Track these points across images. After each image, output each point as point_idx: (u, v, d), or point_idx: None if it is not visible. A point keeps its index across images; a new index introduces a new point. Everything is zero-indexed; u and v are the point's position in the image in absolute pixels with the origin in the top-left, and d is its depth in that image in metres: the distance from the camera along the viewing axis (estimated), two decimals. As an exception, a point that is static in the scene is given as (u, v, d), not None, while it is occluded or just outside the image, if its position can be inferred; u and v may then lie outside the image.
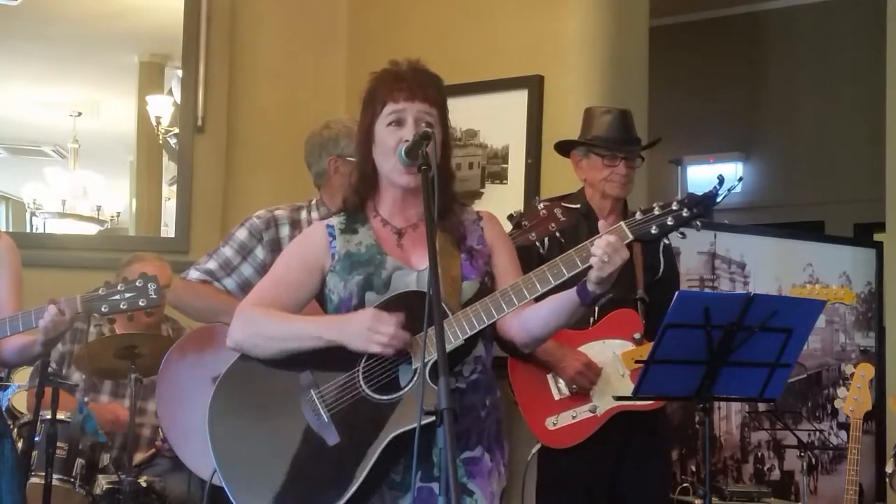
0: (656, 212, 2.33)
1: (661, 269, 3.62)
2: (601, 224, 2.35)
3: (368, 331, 2.27)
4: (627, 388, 3.41)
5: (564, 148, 3.74)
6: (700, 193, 2.34)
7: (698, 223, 2.35)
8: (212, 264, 3.21)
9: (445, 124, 2.48)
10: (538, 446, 3.51)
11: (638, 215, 2.33)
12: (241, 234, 3.22)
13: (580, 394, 3.43)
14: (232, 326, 2.43)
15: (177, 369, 3.27)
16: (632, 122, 3.67)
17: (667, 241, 3.56)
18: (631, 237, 2.31)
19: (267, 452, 2.34)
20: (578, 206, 3.59)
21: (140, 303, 2.85)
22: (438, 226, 2.39)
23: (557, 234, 3.19)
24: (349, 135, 3.23)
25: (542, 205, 3.22)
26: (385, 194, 2.49)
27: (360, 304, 2.39)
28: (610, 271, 2.26)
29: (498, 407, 2.50)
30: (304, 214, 3.26)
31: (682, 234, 2.37)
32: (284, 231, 3.22)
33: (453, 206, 2.49)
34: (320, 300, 2.53)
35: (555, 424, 3.44)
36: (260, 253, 3.19)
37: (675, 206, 2.33)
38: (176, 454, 3.34)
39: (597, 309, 3.41)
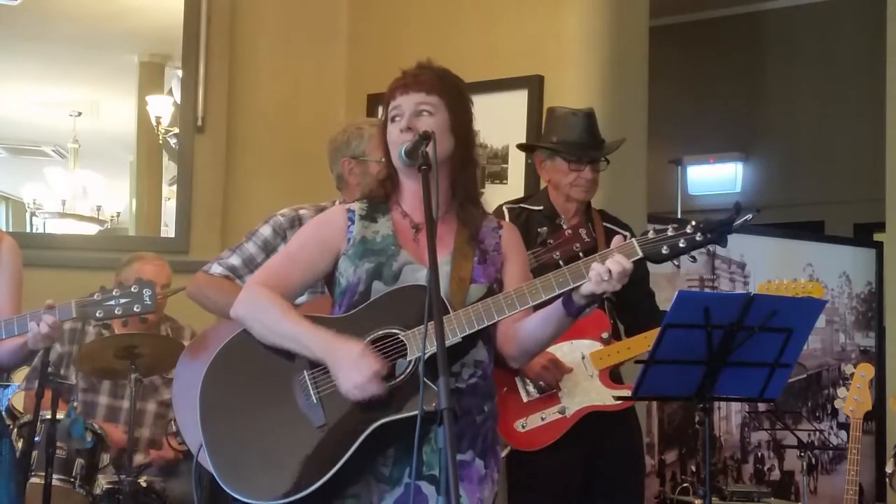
0: (669, 233, 2.30)
1: None
2: (615, 239, 2.34)
3: (352, 373, 2.27)
4: (597, 388, 3.42)
5: (528, 149, 3.71)
6: (717, 220, 2.30)
7: (710, 248, 2.32)
8: (235, 260, 3.21)
9: (456, 109, 2.46)
10: (507, 449, 3.47)
11: (651, 234, 2.31)
12: (265, 230, 3.23)
13: (549, 395, 3.41)
14: (239, 297, 2.45)
15: (195, 367, 3.24)
16: (596, 124, 3.64)
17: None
18: (640, 255, 2.29)
19: (253, 429, 2.35)
20: (541, 207, 3.59)
21: (135, 308, 2.82)
22: (456, 219, 2.46)
23: (581, 254, 3.17)
24: (360, 136, 3.25)
25: (566, 224, 3.22)
26: (405, 188, 2.50)
27: (367, 292, 2.40)
28: (605, 289, 2.26)
29: (495, 414, 2.49)
30: None
31: (692, 258, 2.35)
32: None
33: (472, 198, 2.50)
34: (329, 282, 2.54)
35: (524, 427, 3.42)
36: None
37: (689, 230, 2.30)
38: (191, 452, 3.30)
39: None
